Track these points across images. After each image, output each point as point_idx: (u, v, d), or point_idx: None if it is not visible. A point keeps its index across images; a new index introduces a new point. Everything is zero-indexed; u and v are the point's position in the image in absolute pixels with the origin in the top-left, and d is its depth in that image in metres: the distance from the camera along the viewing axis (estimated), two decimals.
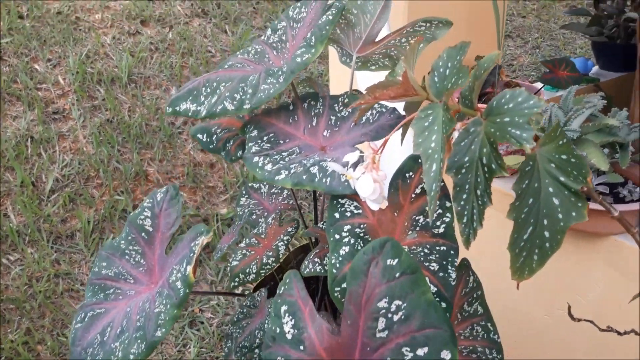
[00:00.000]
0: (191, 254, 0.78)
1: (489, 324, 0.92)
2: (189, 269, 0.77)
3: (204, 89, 0.88)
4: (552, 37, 4.41)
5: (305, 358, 0.63)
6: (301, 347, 0.65)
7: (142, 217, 0.92)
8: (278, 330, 0.67)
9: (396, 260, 0.63)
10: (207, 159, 2.81)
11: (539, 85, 1.92)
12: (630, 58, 2.20)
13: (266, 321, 0.90)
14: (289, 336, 0.66)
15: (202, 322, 2.19)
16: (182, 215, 2.47)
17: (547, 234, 0.66)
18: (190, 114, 0.86)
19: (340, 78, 2.05)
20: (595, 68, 2.33)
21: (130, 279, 0.90)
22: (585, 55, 4.07)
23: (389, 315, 0.62)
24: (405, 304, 0.62)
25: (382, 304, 0.62)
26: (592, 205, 1.07)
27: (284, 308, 0.69)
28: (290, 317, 0.68)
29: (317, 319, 0.66)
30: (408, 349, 0.60)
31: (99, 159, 2.54)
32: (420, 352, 0.59)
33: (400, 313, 0.61)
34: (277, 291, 0.73)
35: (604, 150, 1.35)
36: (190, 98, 0.88)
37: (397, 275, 0.63)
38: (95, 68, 2.81)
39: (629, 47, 2.20)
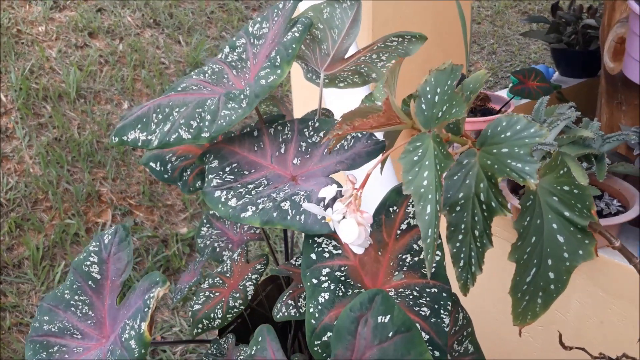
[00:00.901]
0: (146, 309, 0.68)
1: None
2: (144, 326, 0.67)
3: (154, 115, 0.77)
4: (507, 42, 4.46)
5: None
6: None
7: (88, 262, 0.81)
8: None
9: (388, 316, 0.55)
10: None
11: (502, 93, 1.89)
12: (590, 64, 2.22)
13: None
14: None
15: (165, 351, 2.06)
16: (140, 237, 2.34)
17: (552, 275, 0.59)
18: (139, 144, 0.76)
19: (304, 93, 1.97)
20: (556, 74, 2.35)
21: (77, 334, 0.79)
22: (540, 60, 4.14)
23: None
24: None
25: None
26: None
27: None
28: None
29: None
30: None
31: (47, 180, 2.38)
32: None
33: None
34: (249, 350, 0.63)
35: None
36: (139, 126, 0.77)
37: (390, 334, 0.54)
38: (40, 83, 2.64)
39: (588, 53, 2.24)
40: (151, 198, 2.54)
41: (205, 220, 1.17)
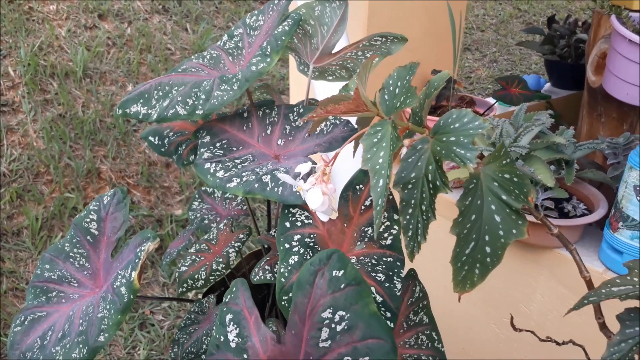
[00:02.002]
0: (136, 260, 0.77)
1: (433, 333, 0.94)
2: (134, 275, 0.76)
3: (155, 92, 0.87)
4: (509, 52, 4.54)
5: None
6: (244, 356, 0.65)
7: (88, 220, 0.90)
8: (222, 338, 0.67)
9: (342, 272, 0.64)
10: (162, 159, 2.76)
11: (492, 100, 1.97)
12: (580, 77, 2.30)
13: (212, 329, 0.89)
14: (232, 344, 0.66)
15: (153, 325, 2.16)
16: (135, 215, 2.43)
17: (488, 249, 0.68)
18: (140, 117, 0.85)
19: (300, 84, 2.06)
20: (548, 85, 2.42)
21: (74, 282, 0.88)
22: (539, 71, 4.22)
23: (333, 325, 0.63)
24: (348, 315, 0.63)
25: (326, 314, 0.63)
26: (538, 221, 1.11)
27: (229, 317, 0.69)
28: (235, 325, 0.68)
29: (262, 328, 0.67)
30: (350, 359, 0.61)
31: (50, 154, 2.46)
32: None
33: (343, 324, 0.62)
34: (224, 299, 0.73)
35: (551, 167, 1.40)
36: (141, 101, 0.87)
37: (342, 286, 0.64)
38: (49, 61, 2.73)
39: (579, 66, 2.30)
40: (149, 179, 2.63)
41: (197, 195, 1.27)
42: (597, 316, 0.82)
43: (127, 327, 2.14)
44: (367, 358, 0.61)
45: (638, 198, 1.23)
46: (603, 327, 0.81)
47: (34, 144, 2.49)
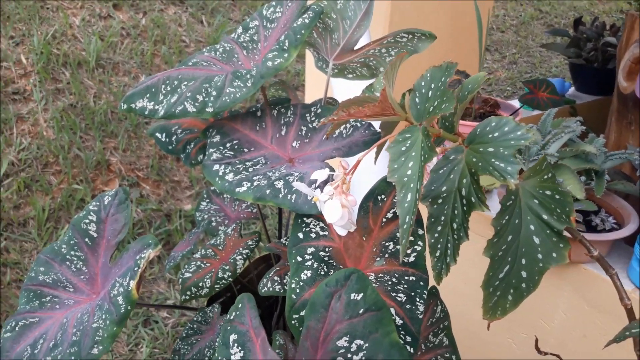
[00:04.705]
0: (136, 268, 0.71)
1: (453, 357, 0.87)
2: (132, 284, 0.70)
3: (163, 86, 0.80)
4: (529, 54, 4.44)
5: None
6: None
7: (87, 221, 0.84)
8: None
9: (361, 295, 0.57)
10: None
11: (515, 102, 1.89)
12: (606, 82, 2.21)
13: (216, 344, 0.83)
14: None
15: (157, 322, 2.11)
16: (144, 209, 2.38)
17: (524, 274, 0.61)
18: (146, 112, 0.79)
19: (317, 81, 1.99)
20: (572, 89, 2.33)
21: (70, 287, 0.82)
22: (560, 74, 4.12)
23: (349, 355, 0.56)
24: (367, 345, 0.56)
25: (342, 342, 0.56)
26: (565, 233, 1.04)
27: (233, 337, 0.62)
28: (240, 348, 0.61)
29: (269, 353, 0.60)
30: None
31: (59, 144, 2.42)
32: None
33: (360, 354, 0.55)
34: (228, 316, 0.66)
35: (581, 177, 1.32)
36: (147, 95, 0.80)
37: (361, 312, 0.57)
38: (62, 50, 2.68)
39: (606, 71, 2.21)
40: (159, 172, 2.58)
41: (205, 195, 1.20)
42: (636, 348, 0.74)
43: (131, 324, 2.09)
44: None
45: None
46: None
47: (43, 133, 2.45)
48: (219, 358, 0.62)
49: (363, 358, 0.55)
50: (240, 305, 0.65)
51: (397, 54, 0.94)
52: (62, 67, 2.65)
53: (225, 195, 1.18)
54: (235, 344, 0.62)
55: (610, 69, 2.19)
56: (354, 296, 0.57)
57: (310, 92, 2.19)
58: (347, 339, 0.56)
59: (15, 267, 2.09)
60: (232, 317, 0.65)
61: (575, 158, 1.40)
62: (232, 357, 0.61)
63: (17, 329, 0.79)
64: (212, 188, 1.21)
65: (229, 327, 0.64)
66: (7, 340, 0.79)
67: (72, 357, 0.72)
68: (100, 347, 0.71)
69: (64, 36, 2.77)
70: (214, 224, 1.10)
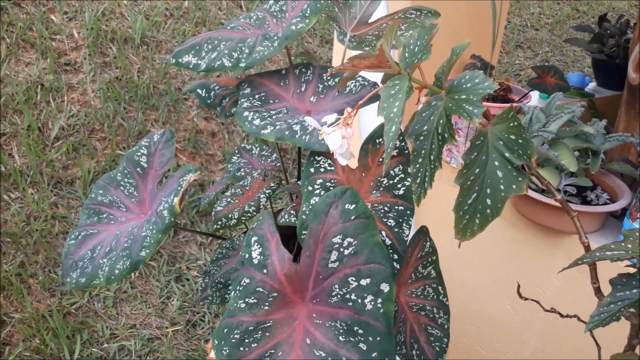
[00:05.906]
0: (179, 187, 0.88)
1: (440, 287, 1.02)
2: (176, 200, 0.87)
3: (205, 45, 0.98)
4: (562, 52, 4.47)
5: (267, 280, 0.74)
6: (264, 271, 0.75)
7: (139, 154, 1.02)
8: (247, 256, 0.78)
9: (353, 205, 0.73)
10: (209, 128, 2.90)
11: (535, 93, 2.00)
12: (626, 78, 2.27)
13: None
14: (255, 261, 0.76)
15: (188, 279, 2.30)
16: None
17: (489, 201, 0.76)
18: (191, 66, 0.96)
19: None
20: (593, 84, 2.39)
21: (123, 207, 1.00)
22: (592, 74, 4.14)
23: (341, 249, 0.72)
24: (355, 242, 0.72)
25: (337, 239, 0.72)
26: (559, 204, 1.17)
27: (254, 239, 0.79)
28: (259, 246, 0.78)
29: (281, 249, 0.76)
30: (354, 279, 0.70)
31: (105, 113, 2.63)
32: (364, 282, 0.70)
33: (350, 248, 0.71)
34: (251, 226, 0.83)
35: (576, 154, 1.44)
36: (192, 52, 0.97)
37: (352, 218, 0.73)
38: (110, 26, 2.89)
39: (627, 67, 2.27)
40: (195, 145, 2.77)
41: (236, 151, 1.38)
42: (592, 281, 0.88)
43: (164, 279, 2.29)
44: (368, 279, 0.70)
45: None
46: (598, 291, 0.87)
47: (91, 102, 2.66)
48: (243, 254, 0.79)
49: (352, 251, 0.71)
50: (261, 218, 0.82)
51: (406, 28, 1.10)
52: (109, 43, 2.86)
53: (254, 152, 1.35)
54: (256, 243, 0.78)
55: None
56: (348, 206, 0.73)
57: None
58: (341, 237, 0.72)
59: (62, 220, 2.31)
60: (254, 226, 0.81)
61: (575, 138, 1.52)
62: (253, 252, 0.78)
63: (79, 237, 0.98)
64: (243, 145, 1.38)
65: (251, 232, 0.80)
66: (72, 246, 0.97)
67: (124, 259, 0.90)
68: (147, 251, 0.89)
69: (113, 14, 2.98)
70: (242, 172, 1.27)
